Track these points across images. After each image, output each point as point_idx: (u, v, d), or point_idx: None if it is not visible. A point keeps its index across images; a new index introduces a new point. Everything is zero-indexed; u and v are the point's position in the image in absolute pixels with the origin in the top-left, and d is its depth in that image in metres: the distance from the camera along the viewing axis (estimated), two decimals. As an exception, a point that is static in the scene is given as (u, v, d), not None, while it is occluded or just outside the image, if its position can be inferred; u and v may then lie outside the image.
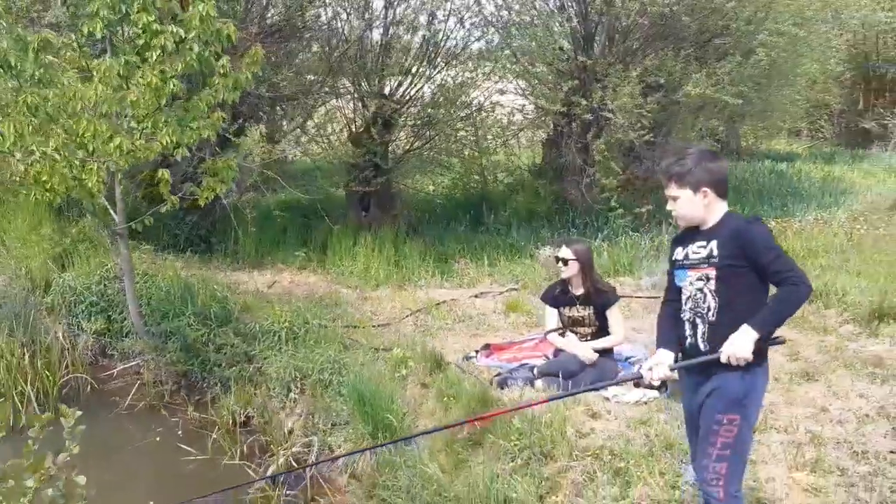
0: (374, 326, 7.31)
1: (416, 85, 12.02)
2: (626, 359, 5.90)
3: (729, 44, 12.22)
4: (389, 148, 12.19)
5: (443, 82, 11.91)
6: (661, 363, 3.17)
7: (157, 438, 6.74)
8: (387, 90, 11.98)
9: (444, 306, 7.99)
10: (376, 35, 11.59)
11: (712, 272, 3.01)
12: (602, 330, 5.64)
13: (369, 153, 11.35)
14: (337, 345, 6.62)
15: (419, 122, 12.26)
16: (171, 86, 6.22)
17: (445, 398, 5.39)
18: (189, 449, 6.51)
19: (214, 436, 6.63)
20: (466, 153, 13.42)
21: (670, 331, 3.23)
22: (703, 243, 3.06)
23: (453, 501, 4.28)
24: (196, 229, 10.32)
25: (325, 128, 11.87)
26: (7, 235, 9.25)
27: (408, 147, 12.53)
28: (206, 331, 7.42)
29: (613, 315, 5.60)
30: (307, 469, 5.46)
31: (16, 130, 6.03)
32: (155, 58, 6.10)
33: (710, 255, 3.03)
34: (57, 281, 8.37)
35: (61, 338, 7.86)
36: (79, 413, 2.89)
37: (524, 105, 14.28)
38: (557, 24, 11.24)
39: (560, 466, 4.35)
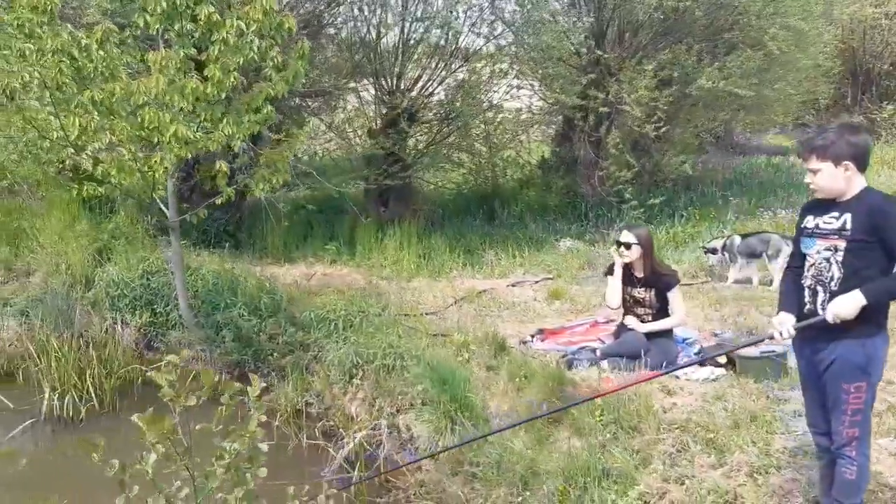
0: (423, 314, 7.47)
1: (433, 82, 12.20)
2: (683, 340, 6.12)
3: (738, 38, 12.51)
4: (407, 144, 12.34)
5: (460, 80, 12.09)
6: (785, 322, 3.33)
7: (220, 426, 6.83)
8: (404, 87, 12.13)
9: (485, 295, 8.17)
10: (394, 35, 11.73)
11: (842, 244, 3.19)
12: (661, 312, 5.85)
13: (388, 149, 11.50)
14: (395, 331, 6.77)
15: (436, 118, 12.45)
16: (232, 79, 6.32)
17: (518, 379, 5.57)
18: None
19: (276, 423, 6.77)
20: (478, 149, 13.61)
21: (792, 295, 3.40)
22: (837, 215, 3.23)
23: (551, 474, 4.46)
24: (224, 225, 10.40)
25: (347, 124, 11.99)
26: (42, 232, 9.26)
27: (425, 143, 12.69)
28: (257, 321, 7.54)
29: (674, 297, 5.81)
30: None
31: (80, 125, 6.13)
32: (217, 51, 6.20)
33: (842, 228, 3.20)
34: (100, 275, 8.44)
35: (107, 331, 7.92)
36: (263, 385, 3.02)
37: (532, 102, 14.54)
38: (574, 20, 11.42)
39: (648, 440, 4.54)
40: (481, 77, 12.07)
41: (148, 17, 6.31)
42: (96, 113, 6.20)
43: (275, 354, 7.38)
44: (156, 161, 6.17)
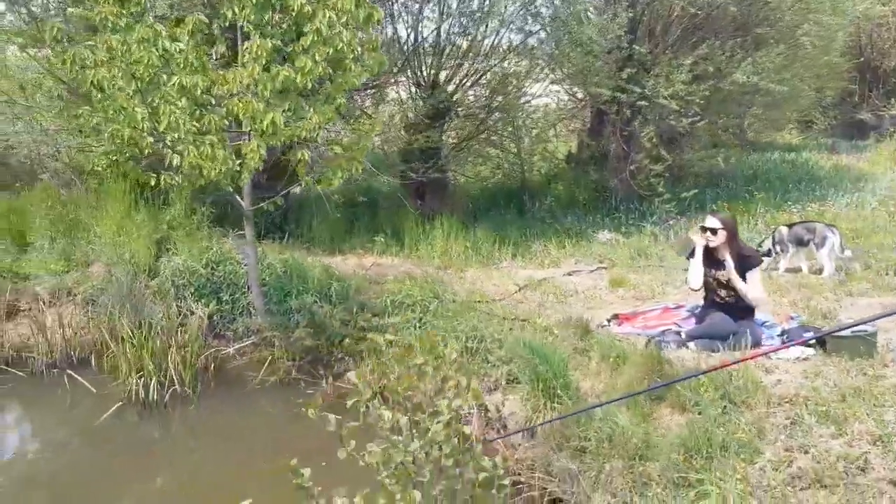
0: (493, 301, 7.64)
1: (469, 78, 12.37)
2: (763, 323, 6.32)
3: (769, 33, 12.75)
4: (443, 139, 12.52)
5: (498, 76, 12.28)
6: None
7: (304, 409, 6.98)
8: (441, 82, 12.29)
9: (546, 284, 8.35)
10: (432, 31, 11.90)
11: None
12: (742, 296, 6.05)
13: (424, 144, 11.66)
14: (474, 316, 6.94)
15: (472, 114, 12.63)
16: (321, 69, 6.47)
17: (611, 359, 5.75)
18: (339, 417, 6.77)
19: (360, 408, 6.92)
20: (508, 144, 13.80)
21: None
22: None
23: (669, 446, 4.64)
24: (272, 217, 10.51)
25: (388, 119, 12.14)
26: (99, 223, 9.35)
27: (459, 139, 12.87)
28: (328, 307, 7.69)
29: (753, 276, 5.98)
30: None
31: (170, 113, 6.25)
32: (309, 41, 6.34)
33: None
34: (164, 264, 8.54)
35: (176, 319, 8.02)
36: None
37: (559, 97, 14.78)
38: (612, 15, 11.61)
39: (760, 414, 4.73)
40: (518, 72, 12.24)
41: (237, 9, 6.43)
42: (184, 102, 6.31)
43: (347, 340, 7.52)
44: (251, 149, 6.29)
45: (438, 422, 3.10)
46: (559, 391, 5.46)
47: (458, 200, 12.81)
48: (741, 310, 6.04)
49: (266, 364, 7.61)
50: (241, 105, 6.21)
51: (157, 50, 6.29)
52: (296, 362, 7.68)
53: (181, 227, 9.29)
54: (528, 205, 13.09)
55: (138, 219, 9.25)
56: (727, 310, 6.05)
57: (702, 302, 6.51)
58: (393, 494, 3.08)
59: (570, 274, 8.79)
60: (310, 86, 6.53)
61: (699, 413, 4.93)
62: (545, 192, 13.84)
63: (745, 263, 5.98)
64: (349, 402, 3.40)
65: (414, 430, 3.16)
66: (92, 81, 6.40)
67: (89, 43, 6.61)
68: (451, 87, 12.34)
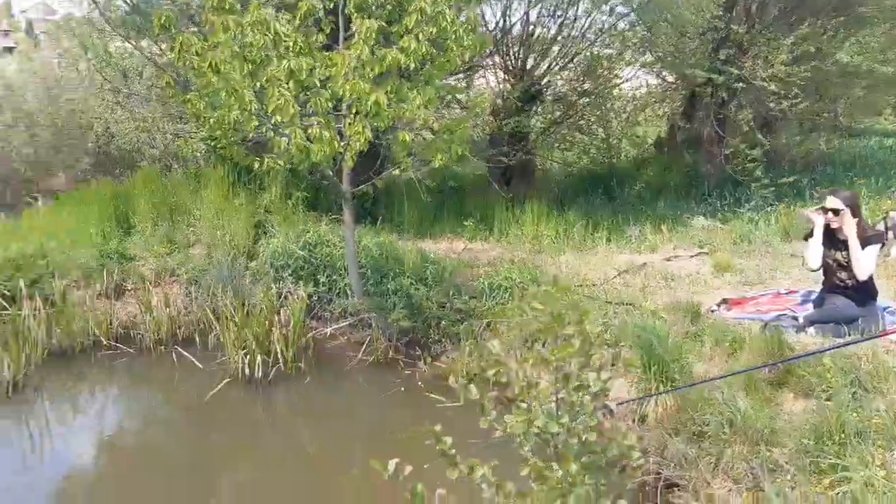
0: (594, 285, 7.51)
1: (559, 62, 12.19)
2: (885, 308, 6.02)
3: (872, 11, 12.16)
4: (531, 123, 12.38)
5: (586, 60, 12.07)
6: None
7: (403, 389, 7.05)
8: (530, 66, 12.15)
9: (646, 268, 8.17)
10: (522, 14, 11.75)
11: None
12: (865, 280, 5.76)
13: (512, 128, 11.55)
14: (577, 299, 6.82)
15: (561, 98, 12.46)
16: (424, 49, 6.44)
17: (727, 343, 5.57)
18: (437, 397, 6.80)
19: (456, 387, 6.91)
20: (596, 129, 13.58)
21: None
22: None
23: (795, 433, 4.46)
24: (362, 202, 10.59)
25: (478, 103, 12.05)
26: (199, 207, 9.60)
27: (547, 123, 12.72)
28: (425, 290, 7.70)
29: (871, 251, 5.65)
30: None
31: (277, 97, 6.32)
32: (414, 21, 6.32)
33: None
34: (263, 247, 8.71)
35: (276, 300, 8.17)
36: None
37: (649, 80, 14.45)
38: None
39: (893, 399, 4.50)
40: (609, 55, 12.00)
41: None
42: (292, 84, 6.37)
43: (444, 322, 7.53)
44: (356, 131, 6.32)
45: (587, 393, 3.02)
46: (674, 374, 5.31)
47: (544, 185, 12.68)
48: (862, 294, 5.76)
49: (364, 345, 7.68)
50: (347, 86, 6.23)
51: (269, 33, 6.37)
52: (392, 343, 7.73)
53: (278, 211, 9.46)
54: (616, 190, 12.85)
55: (236, 202, 9.45)
56: (848, 294, 5.77)
57: (815, 289, 6.26)
58: (539, 467, 3.02)
59: (669, 259, 8.58)
60: (412, 66, 6.50)
61: (827, 399, 4.72)
62: (634, 177, 13.57)
63: (868, 242, 5.70)
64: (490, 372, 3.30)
65: (561, 402, 3.09)
66: (210, 63, 6.51)
67: (193, 29, 6.76)
68: (539, 72, 12.19)
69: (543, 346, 3.19)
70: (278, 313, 7.86)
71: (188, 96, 7.23)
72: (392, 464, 2.95)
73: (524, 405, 3.18)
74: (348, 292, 8.21)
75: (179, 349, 7.76)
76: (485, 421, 3.11)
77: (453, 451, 3.04)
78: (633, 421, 5.62)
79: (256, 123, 6.87)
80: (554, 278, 3.16)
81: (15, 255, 8.30)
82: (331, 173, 7.19)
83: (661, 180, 13.44)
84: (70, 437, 6.44)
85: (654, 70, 14.12)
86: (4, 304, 7.82)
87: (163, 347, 7.92)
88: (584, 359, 3.10)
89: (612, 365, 3.10)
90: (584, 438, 2.97)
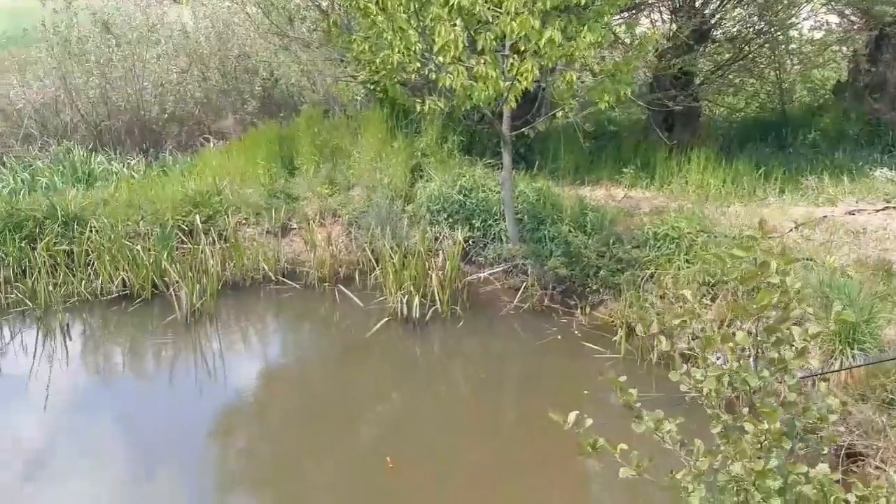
0: (769, 238, 7.00)
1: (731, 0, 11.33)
2: None
3: None
4: (697, 66, 11.65)
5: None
6: None
7: (559, 337, 6.94)
8: (699, 4, 11.37)
9: (826, 222, 7.54)
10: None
11: None
12: None
13: (677, 71, 10.88)
14: (752, 252, 6.39)
15: (732, 38, 11.62)
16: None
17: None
18: (595, 347, 6.66)
19: (614, 338, 6.74)
20: (768, 73, 12.60)
21: None
22: None
23: None
24: (516, 148, 10.40)
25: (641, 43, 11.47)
26: (359, 150, 9.78)
27: (716, 65, 11.92)
28: (583, 237, 7.48)
29: None
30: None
31: (446, 34, 6.20)
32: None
33: None
34: (420, 190, 8.76)
35: (432, 244, 8.24)
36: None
37: (829, 19, 13.19)
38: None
39: None
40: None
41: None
42: (459, 22, 6.24)
43: (602, 271, 7.30)
44: (524, 69, 6.13)
45: (789, 350, 2.78)
46: (862, 337, 4.87)
47: (709, 133, 11.96)
48: None
49: (519, 291, 7.60)
50: (516, 23, 6.03)
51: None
52: (548, 291, 7.61)
53: (434, 155, 9.47)
54: (788, 139, 11.93)
55: (394, 146, 9.54)
56: None
57: None
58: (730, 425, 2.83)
59: (852, 213, 7.88)
60: (583, 2, 6.20)
61: None
62: (808, 125, 12.54)
63: None
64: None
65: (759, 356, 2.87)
66: (377, 1, 6.51)
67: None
68: (710, 9, 11.39)
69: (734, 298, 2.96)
70: (435, 256, 7.93)
71: (352, 37, 7.29)
72: (572, 416, 2.86)
73: (715, 359, 2.98)
74: (503, 238, 8.14)
75: (342, 287, 8.01)
76: (675, 374, 2.94)
77: (638, 403, 2.90)
78: (812, 384, 5.23)
79: (419, 64, 6.83)
80: (760, 223, 2.89)
81: (192, 192, 8.81)
82: (491, 114, 7.05)
83: (838, 129, 12.35)
84: (239, 362, 6.82)
85: (836, 8, 12.86)
86: (183, 238, 8.35)
87: (326, 285, 8.20)
88: (784, 312, 2.84)
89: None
90: (782, 397, 2.74)
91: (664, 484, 2.83)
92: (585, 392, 6.26)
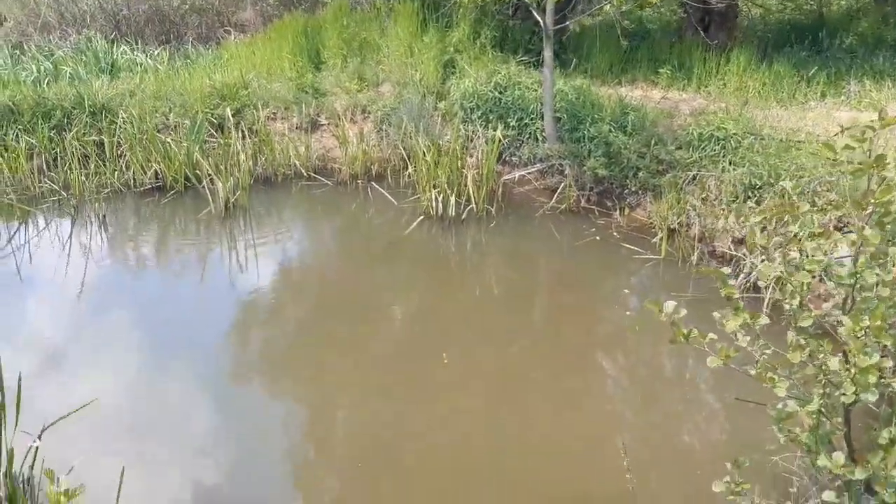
0: (816, 141, 6.86)
1: None
2: None
3: None
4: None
5: None
6: None
7: (598, 238, 6.90)
8: None
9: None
10: None
11: None
12: None
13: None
14: (799, 155, 6.28)
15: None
16: None
17: None
18: (635, 248, 6.62)
19: (654, 240, 6.70)
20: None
21: None
22: None
23: None
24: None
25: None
26: (389, 44, 9.50)
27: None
28: (624, 138, 7.33)
29: None
30: None
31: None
32: None
33: None
34: (454, 87, 8.55)
35: (466, 142, 8.09)
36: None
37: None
38: None
39: None
40: None
41: None
42: None
43: (642, 173, 7.19)
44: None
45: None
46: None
47: (745, 35, 11.57)
48: None
49: (556, 193, 7.51)
50: None
51: None
52: (585, 192, 7.51)
53: (466, 51, 9.19)
54: (824, 43, 11.56)
55: (425, 40, 9.25)
56: None
57: None
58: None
59: (899, 117, 7.65)
60: None
61: None
62: (846, 29, 12.12)
63: None
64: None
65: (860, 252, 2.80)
66: None
67: None
68: None
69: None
70: (469, 155, 7.80)
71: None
72: (669, 305, 2.83)
73: (803, 255, 2.92)
74: (539, 137, 7.98)
75: (374, 185, 7.94)
76: (768, 267, 2.88)
77: (737, 295, 2.86)
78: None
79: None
80: (880, 113, 2.76)
81: (220, 85, 8.61)
82: (537, 5, 6.78)
83: (877, 34, 11.93)
84: (274, 257, 6.76)
85: None
86: (213, 132, 8.21)
87: (358, 182, 8.12)
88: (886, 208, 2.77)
89: None
90: (885, 294, 2.69)
91: (752, 374, 2.82)
92: (626, 291, 6.29)
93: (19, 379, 3.48)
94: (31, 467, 3.47)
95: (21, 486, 3.40)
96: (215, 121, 8.36)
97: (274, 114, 8.79)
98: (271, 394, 4.86)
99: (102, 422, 4.17)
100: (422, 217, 7.21)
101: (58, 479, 2.05)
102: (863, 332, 2.54)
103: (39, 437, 3.46)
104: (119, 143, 7.84)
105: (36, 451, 3.47)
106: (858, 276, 2.66)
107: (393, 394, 4.73)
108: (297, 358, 5.24)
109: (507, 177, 8.02)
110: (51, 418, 3.55)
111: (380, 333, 5.56)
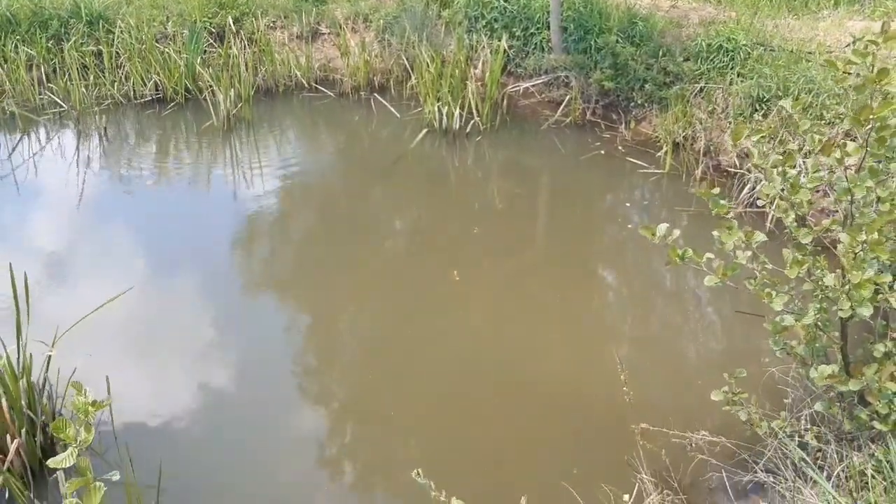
0: (829, 52, 6.73)
1: None
2: None
3: None
4: None
5: None
6: None
7: (602, 152, 6.87)
8: None
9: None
10: None
11: None
12: None
13: None
14: (809, 67, 6.18)
15: None
16: None
17: None
18: (639, 163, 6.60)
19: (659, 154, 6.67)
20: None
21: None
22: None
23: None
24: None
25: None
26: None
27: None
28: (632, 49, 7.19)
29: None
30: None
31: None
32: None
33: None
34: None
35: (470, 52, 7.94)
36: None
37: None
38: None
39: None
40: None
41: None
42: None
43: (648, 85, 7.09)
44: None
45: None
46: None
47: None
48: None
49: (561, 105, 7.43)
50: None
51: None
52: (590, 105, 7.43)
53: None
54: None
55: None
56: None
57: None
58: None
59: (913, 27, 7.47)
60: None
61: None
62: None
63: None
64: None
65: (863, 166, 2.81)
66: None
67: None
68: None
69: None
70: (473, 66, 7.68)
71: None
72: (662, 228, 2.86)
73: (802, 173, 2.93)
74: (544, 48, 7.82)
75: (377, 96, 7.85)
76: (768, 186, 2.90)
77: (730, 214, 2.89)
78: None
79: None
80: (883, 25, 2.72)
81: (218, -9, 8.39)
82: None
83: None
84: (278, 169, 6.68)
85: None
86: (212, 42, 8.06)
87: (361, 93, 8.03)
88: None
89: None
90: (883, 208, 2.71)
91: (750, 289, 2.88)
92: (627, 204, 6.31)
93: (26, 286, 3.53)
94: (46, 375, 3.58)
95: (37, 394, 3.51)
96: (214, 30, 8.19)
97: (274, 22, 8.59)
98: (279, 305, 4.93)
99: (108, 330, 4.25)
100: (426, 130, 7.15)
101: (85, 390, 2.12)
102: (860, 246, 2.57)
103: (53, 346, 3.55)
104: (118, 53, 7.71)
105: (48, 360, 3.57)
106: (853, 189, 2.68)
107: (399, 305, 4.81)
108: (305, 270, 5.31)
109: (512, 88, 7.92)
110: (53, 329, 3.59)
111: (385, 248, 5.62)
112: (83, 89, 7.44)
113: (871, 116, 2.63)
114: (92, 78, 7.57)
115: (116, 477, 2.38)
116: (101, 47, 7.67)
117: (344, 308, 4.87)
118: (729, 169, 6.32)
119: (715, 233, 2.93)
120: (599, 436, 3.72)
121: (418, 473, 2.35)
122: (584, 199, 6.32)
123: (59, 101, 7.37)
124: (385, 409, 3.92)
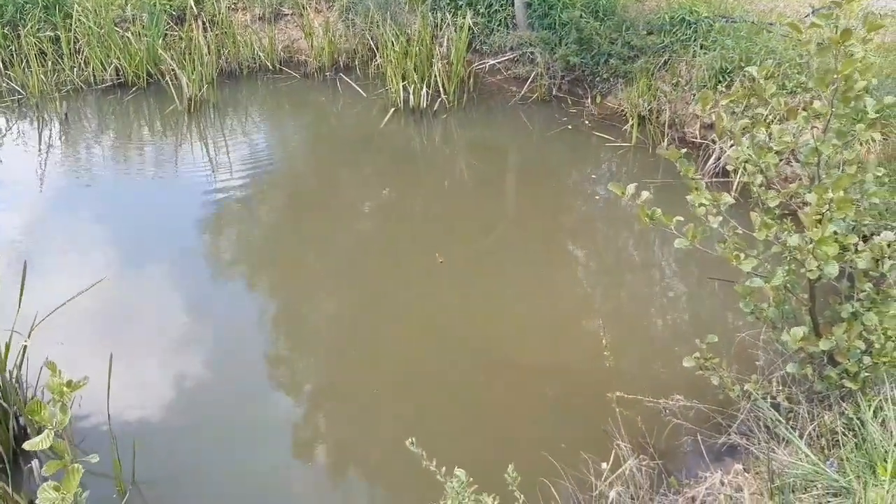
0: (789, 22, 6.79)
1: None
2: None
3: None
4: None
5: None
6: None
7: (570, 126, 6.90)
8: None
9: (851, 5, 7.29)
10: None
11: None
12: None
13: None
14: (770, 38, 6.26)
15: None
16: None
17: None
18: (606, 137, 6.65)
19: (625, 128, 6.72)
20: None
21: None
22: None
23: None
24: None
25: None
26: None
27: None
28: (595, 23, 7.21)
29: None
30: None
31: None
32: None
33: None
34: (422, -30, 8.25)
35: (434, 31, 7.89)
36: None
37: None
38: None
39: None
40: None
41: None
42: None
43: (613, 60, 7.12)
44: None
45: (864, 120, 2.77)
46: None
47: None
48: None
49: (527, 82, 7.44)
50: None
51: None
52: (556, 81, 7.46)
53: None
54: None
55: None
56: None
57: None
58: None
59: (870, -4, 7.59)
60: None
61: None
62: None
63: None
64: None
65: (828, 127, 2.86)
66: None
67: None
68: None
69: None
70: (439, 44, 7.65)
71: None
72: (632, 187, 2.89)
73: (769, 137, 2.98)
74: (509, 24, 7.83)
75: (343, 76, 7.80)
76: (736, 150, 2.94)
77: (699, 176, 2.93)
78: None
79: None
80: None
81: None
82: None
83: None
84: (245, 152, 6.58)
85: None
86: (173, 25, 7.92)
87: (326, 74, 7.97)
88: (848, 83, 2.81)
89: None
90: (849, 170, 2.76)
91: (720, 251, 2.93)
92: (593, 176, 6.36)
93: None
94: (20, 365, 3.51)
95: (12, 382, 3.45)
96: (175, 13, 8.05)
97: (235, 4, 8.47)
98: (252, 289, 4.89)
99: (78, 319, 4.18)
100: (393, 109, 7.12)
101: (60, 371, 2.10)
102: (826, 205, 2.63)
103: (28, 336, 3.49)
104: (76, 38, 7.54)
105: (24, 350, 3.50)
106: (820, 148, 2.73)
107: (373, 285, 4.81)
108: (276, 253, 5.26)
109: (478, 66, 7.91)
110: (23, 319, 3.51)
111: (357, 228, 5.59)
112: (42, 76, 7.27)
113: (835, 76, 2.67)
114: (50, 64, 7.40)
115: (96, 459, 2.36)
116: (58, 32, 7.49)
117: (316, 289, 4.85)
118: (694, 140, 6.40)
119: (689, 197, 2.97)
120: (578, 405, 3.77)
121: (412, 442, 2.37)
122: (552, 174, 6.35)
123: (17, 88, 7.20)
124: (365, 389, 3.93)
